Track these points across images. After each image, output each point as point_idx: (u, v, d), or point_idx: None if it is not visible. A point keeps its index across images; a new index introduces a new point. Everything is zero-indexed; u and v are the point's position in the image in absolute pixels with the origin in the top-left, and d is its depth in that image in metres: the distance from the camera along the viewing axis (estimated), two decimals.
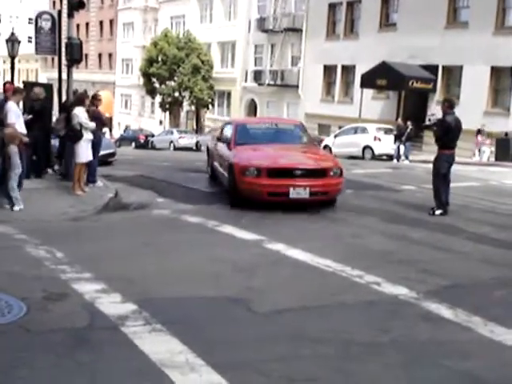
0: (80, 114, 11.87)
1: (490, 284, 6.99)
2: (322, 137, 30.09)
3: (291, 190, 10.77)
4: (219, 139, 13.69)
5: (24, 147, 10.92)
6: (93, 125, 12.04)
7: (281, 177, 10.93)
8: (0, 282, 6.16)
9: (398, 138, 26.61)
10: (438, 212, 11.09)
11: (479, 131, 26.76)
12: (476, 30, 28.72)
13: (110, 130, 42.37)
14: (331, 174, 11.22)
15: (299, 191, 10.79)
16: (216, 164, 13.86)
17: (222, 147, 13.18)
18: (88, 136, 11.93)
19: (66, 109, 13.37)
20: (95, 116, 12.53)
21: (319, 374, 4.43)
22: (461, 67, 29.81)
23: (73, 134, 11.98)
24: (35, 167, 13.28)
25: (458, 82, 30.28)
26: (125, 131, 51.81)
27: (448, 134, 11.02)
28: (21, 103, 12.14)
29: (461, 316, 5.70)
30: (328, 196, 11.30)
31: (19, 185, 10.54)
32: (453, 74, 30.94)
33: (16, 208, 10.15)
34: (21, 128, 11.07)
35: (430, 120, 11.54)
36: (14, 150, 10.09)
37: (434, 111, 11.85)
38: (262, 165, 11.01)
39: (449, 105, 11.22)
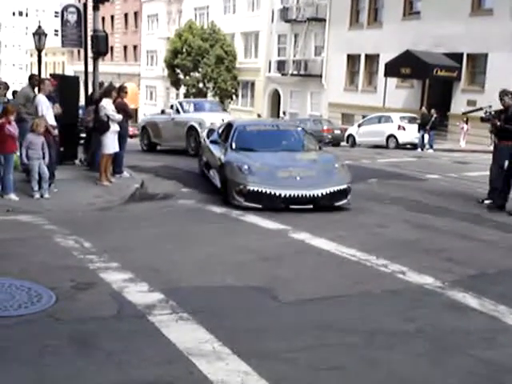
0: (107, 105, 11.98)
1: None
2: None
3: None
4: None
5: (53, 139, 11.09)
6: (119, 116, 12.13)
7: None
8: (30, 272, 6.27)
9: (422, 127, 26.44)
10: (487, 202, 11.00)
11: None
12: (501, 16, 28.33)
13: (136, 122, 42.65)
14: None
15: None
16: None
17: None
18: (115, 127, 12.02)
19: (94, 101, 13.47)
20: (121, 108, 12.62)
21: (345, 363, 4.45)
22: (486, 55, 29.42)
23: (100, 126, 12.09)
24: (62, 158, 13.40)
25: (483, 70, 29.90)
26: None
27: None
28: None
29: (487, 305, 5.68)
30: None
31: (51, 176, 10.73)
32: (478, 62, 30.56)
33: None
34: (51, 120, 11.21)
35: (486, 112, 11.20)
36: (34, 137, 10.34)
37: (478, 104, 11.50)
38: None
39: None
